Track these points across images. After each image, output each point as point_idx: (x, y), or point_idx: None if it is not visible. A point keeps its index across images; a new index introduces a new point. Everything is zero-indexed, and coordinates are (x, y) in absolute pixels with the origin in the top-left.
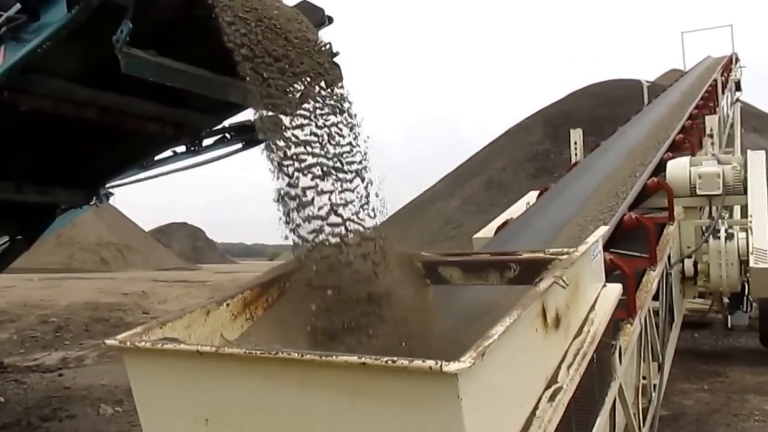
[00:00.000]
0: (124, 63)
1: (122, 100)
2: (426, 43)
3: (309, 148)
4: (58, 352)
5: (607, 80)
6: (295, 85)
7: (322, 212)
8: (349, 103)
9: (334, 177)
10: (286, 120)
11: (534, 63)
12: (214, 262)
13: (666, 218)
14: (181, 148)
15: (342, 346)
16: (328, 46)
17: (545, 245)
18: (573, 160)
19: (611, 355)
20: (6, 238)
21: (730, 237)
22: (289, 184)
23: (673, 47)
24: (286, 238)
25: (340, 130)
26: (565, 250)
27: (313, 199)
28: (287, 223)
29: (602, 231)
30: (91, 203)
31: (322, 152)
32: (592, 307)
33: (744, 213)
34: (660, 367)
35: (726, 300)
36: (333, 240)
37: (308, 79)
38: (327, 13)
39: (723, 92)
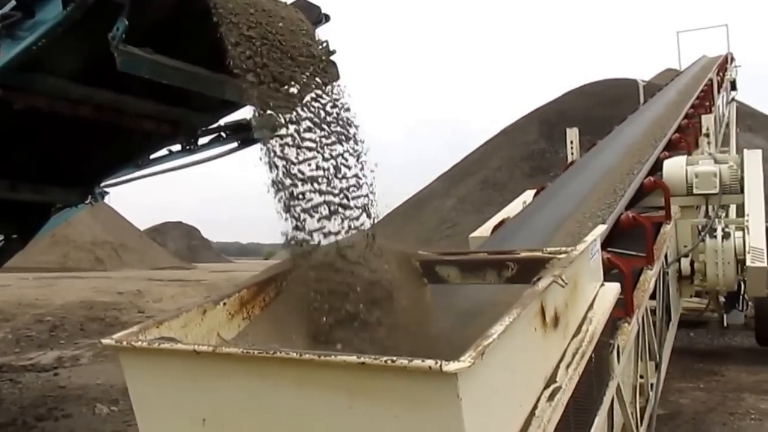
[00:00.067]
0: (120, 60)
1: (118, 98)
2: (426, 43)
3: (316, 185)
4: (53, 352)
5: (602, 80)
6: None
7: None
8: (356, 128)
9: (341, 215)
10: (291, 155)
11: (530, 62)
12: (209, 261)
13: (663, 217)
14: (177, 147)
15: (340, 345)
16: (324, 45)
17: (544, 243)
18: (569, 159)
19: (609, 354)
20: (1, 237)
21: (726, 236)
22: (296, 227)
23: (669, 47)
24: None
25: (346, 160)
26: (563, 249)
27: (319, 242)
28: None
29: (600, 230)
30: (87, 202)
31: (329, 188)
32: (591, 306)
33: (740, 212)
34: (657, 366)
35: (722, 299)
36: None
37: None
38: (324, 11)
39: (718, 91)
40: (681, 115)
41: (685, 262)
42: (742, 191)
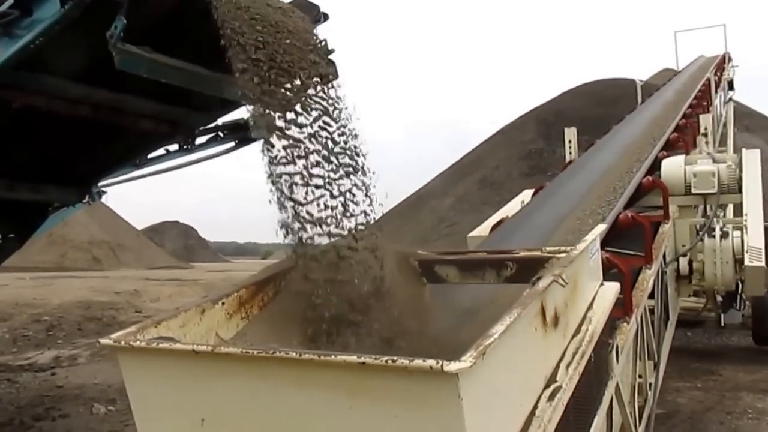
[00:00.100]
0: (118, 59)
1: (116, 97)
2: (425, 43)
3: (324, 227)
4: (50, 351)
5: (600, 79)
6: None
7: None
8: (364, 157)
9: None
10: (300, 195)
11: (528, 62)
12: (206, 261)
13: (661, 217)
14: (174, 147)
15: (339, 345)
16: (323, 44)
17: (543, 241)
18: (567, 159)
19: (608, 353)
20: None
21: (725, 235)
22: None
23: (666, 46)
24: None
25: (354, 195)
26: (563, 248)
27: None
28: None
29: (600, 229)
30: (84, 201)
31: (338, 229)
32: (590, 306)
33: (738, 211)
34: (656, 366)
35: (719, 298)
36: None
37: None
38: (322, 9)
39: (716, 91)
40: (679, 114)
41: (683, 262)
42: (740, 191)
